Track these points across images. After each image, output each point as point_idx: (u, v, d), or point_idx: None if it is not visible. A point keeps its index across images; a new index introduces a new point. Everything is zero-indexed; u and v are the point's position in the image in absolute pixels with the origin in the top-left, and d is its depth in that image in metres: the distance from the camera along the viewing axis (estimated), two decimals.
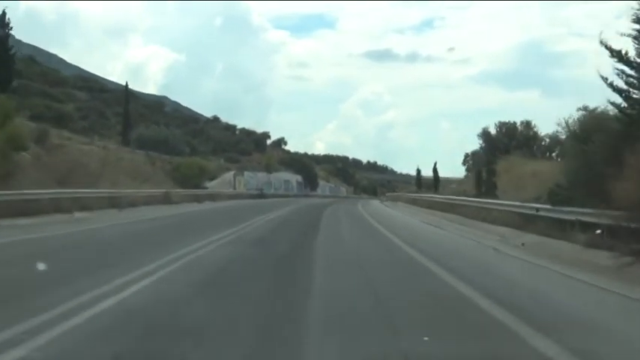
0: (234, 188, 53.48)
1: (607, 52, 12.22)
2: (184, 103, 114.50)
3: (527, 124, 40.02)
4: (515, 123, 40.31)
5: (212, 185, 46.07)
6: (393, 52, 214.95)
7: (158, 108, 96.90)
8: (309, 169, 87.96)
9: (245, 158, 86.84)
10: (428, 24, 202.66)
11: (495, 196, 23.67)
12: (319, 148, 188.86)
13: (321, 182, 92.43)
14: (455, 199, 26.02)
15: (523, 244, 13.88)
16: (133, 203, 28.40)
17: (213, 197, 42.35)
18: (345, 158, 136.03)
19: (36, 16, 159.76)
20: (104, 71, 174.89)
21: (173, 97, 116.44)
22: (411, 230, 18.63)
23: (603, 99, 13.49)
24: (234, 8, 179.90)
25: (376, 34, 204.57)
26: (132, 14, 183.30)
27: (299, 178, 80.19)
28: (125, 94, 73.91)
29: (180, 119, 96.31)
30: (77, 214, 22.12)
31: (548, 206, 15.04)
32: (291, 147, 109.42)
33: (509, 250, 12.45)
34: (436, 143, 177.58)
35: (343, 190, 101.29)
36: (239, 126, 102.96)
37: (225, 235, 13.88)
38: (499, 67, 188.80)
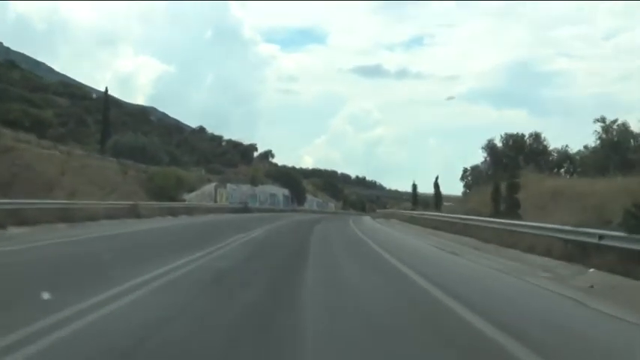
0: (216, 201, 48.90)
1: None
2: (173, 115, 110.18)
3: (537, 137, 36.25)
4: (523, 135, 36.49)
5: (190, 198, 41.56)
6: (383, 68, 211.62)
7: (143, 117, 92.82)
8: (297, 182, 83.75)
9: (231, 170, 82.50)
10: (417, 41, 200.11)
11: (518, 216, 19.62)
12: (307, 163, 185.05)
13: (309, 196, 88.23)
14: (467, 219, 21.88)
15: (592, 287, 9.78)
16: (91, 217, 24.12)
17: (190, 211, 37.96)
18: (334, 173, 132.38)
19: (26, 24, 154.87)
20: (93, 81, 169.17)
21: (161, 109, 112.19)
22: (427, 260, 14.41)
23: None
24: (226, 21, 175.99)
25: (366, 50, 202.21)
26: (122, 25, 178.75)
27: (286, 191, 75.81)
28: (104, 99, 69.69)
29: (164, 128, 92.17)
30: (13, 230, 17.92)
31: (619, 233, 10.96)
32: (279, 161, 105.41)
33: (593, 302, 8.24)
34: (425, 160, 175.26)
35: (332, 205, 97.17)
36: (226, 137, 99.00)
37: (178, 267, 9.66)
38: (487, 86, 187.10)
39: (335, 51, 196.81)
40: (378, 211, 67.37)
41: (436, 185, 37.64)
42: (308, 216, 50.08)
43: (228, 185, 53.90)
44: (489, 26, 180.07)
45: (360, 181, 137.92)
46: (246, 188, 59.59)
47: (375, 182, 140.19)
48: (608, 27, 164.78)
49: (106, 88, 69.94)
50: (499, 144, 36.95)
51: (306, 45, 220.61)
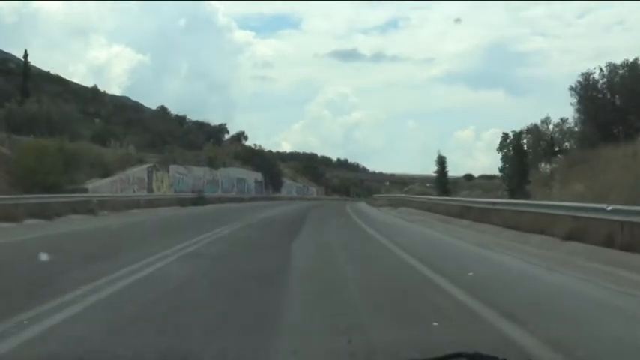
0: (150, 190, 32.41)
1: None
2: (146, 104, 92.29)
3: None
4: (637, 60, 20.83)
5: (99, 186, 25.23)
6: (359, 52, 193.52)
7: (92, 97, 76.39)
8: (272, 165, 67.51)
9: (194, 153, 66.46)
10: (392, 24, 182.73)
11: None
12: (285, 148, 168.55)
13: (287, 181, 72.09)
14: None
15: None
16: None
17: (92, 208, 21.81)
18: (314, 156, 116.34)
19: None
20: (66, 72, 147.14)
21: (136, 98, 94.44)
22: None
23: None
24: (199, 9, 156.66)
25: (341, 34, 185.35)
26: (94, 15, 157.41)
27: (258, 176, 59.49)
28: (24, 66, 53.38)
29: (115, 107, 75.69)
30: None
31: None
32: (255, 145, 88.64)
33: None
34: (403, 143, 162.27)
35: (313, 190, 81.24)
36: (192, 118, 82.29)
37: None
38: (464, 67, 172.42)
39: (310, 36, 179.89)
40: (375, 196, 51.65)
41: (519, 152, 20.35)
42: (285, 207, 34.20)
43: (172, 168, 37.28)
44: (464, 8, 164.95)
45: (342, 164, 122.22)
46: (201, 172, 43.16)
47: (358, 165, 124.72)
48: (581, 5, 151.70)
49: (25, 51, 53.05)
50: (601, 80, 21.22)
51: (280, 30, 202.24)
